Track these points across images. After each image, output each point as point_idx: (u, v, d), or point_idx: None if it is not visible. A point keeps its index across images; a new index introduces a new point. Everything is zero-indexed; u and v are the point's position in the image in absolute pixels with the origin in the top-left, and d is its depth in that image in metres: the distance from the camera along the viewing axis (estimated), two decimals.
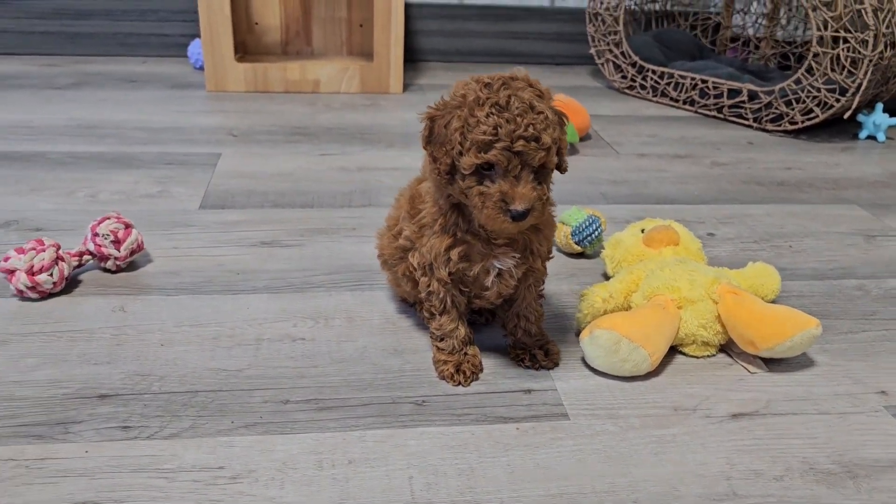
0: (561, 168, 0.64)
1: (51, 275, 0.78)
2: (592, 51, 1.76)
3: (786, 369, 0.74)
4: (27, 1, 1.75)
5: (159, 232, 0.96)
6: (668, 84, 1.63)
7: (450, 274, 0.67)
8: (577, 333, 0.76)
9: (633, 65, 1.69)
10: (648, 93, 1.67)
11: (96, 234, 0.83)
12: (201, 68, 1.74)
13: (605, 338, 0.69)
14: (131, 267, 0.87)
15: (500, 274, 0.67)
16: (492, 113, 0.58)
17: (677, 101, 1.63)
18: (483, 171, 0.60)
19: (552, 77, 1.84)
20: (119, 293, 0.81)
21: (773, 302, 0.83)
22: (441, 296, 0.68)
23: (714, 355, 0.76)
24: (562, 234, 0.94)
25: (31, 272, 0.77)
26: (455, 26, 1.91)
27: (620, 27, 1.68)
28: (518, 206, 0.59)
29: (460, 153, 0.60)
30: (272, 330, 0.76)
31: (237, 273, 0.87)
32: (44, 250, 0.78)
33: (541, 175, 0.61)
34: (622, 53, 1.70)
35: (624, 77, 1.72)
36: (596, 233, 0.91)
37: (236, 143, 1.28)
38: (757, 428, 0.66)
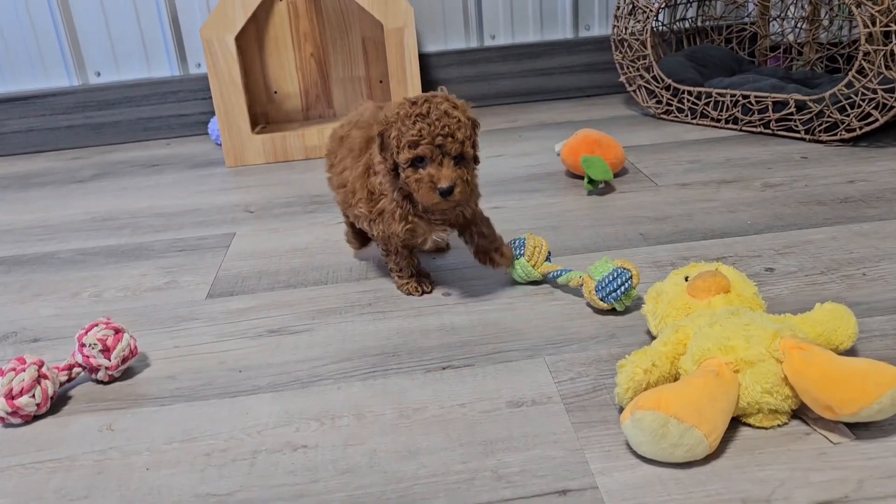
0: (475, 160, 0.83)
1: (33, 396, 0.72)
2: (622, 79, 1.66)
3: (879, 434, 0.61)
4: (51, 98, 1.77)
5: (161, 329, 0.89)
6: (707, 104, 1.51)
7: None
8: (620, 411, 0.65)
9: (668, 88, 1.58)
10: (687, 115, 1.56)
11: (83, 345, 0.77)
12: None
13: (650, 420, 0.58)
14: (127, 374, 0.80)
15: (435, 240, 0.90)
16: (417, 120, 0.78)
17: (719, 120, 1.51)
18: (417, 164, 0.79)
19: (584, 110, 1.74)
20: (109, 408, 0.74)
21: (851, 350, 0.71)
22: (394, 245, 0.90)
23: (786, 423, 0.63)
24: (586, 290, 0.83)
25: (10, 396, 0.71)
26: (477, 70, 1.84)
27: (649, 51, 1.58)
28: (443, 184, 0.78)
29: (398, 153, 0.80)
30: (271, 438, 0.67)
31: (239, 371, 0.79)
32: (24, 370, 0.72)
33: (460, 162, 0.80)
34: (654, 78, 1.59)
35: (659, 102, 1.61)
36: (623, 288, 0.80)
37: (252, 220, 1.22)
38: None
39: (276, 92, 1.73)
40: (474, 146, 0.81)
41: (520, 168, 1.37)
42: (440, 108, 0.78)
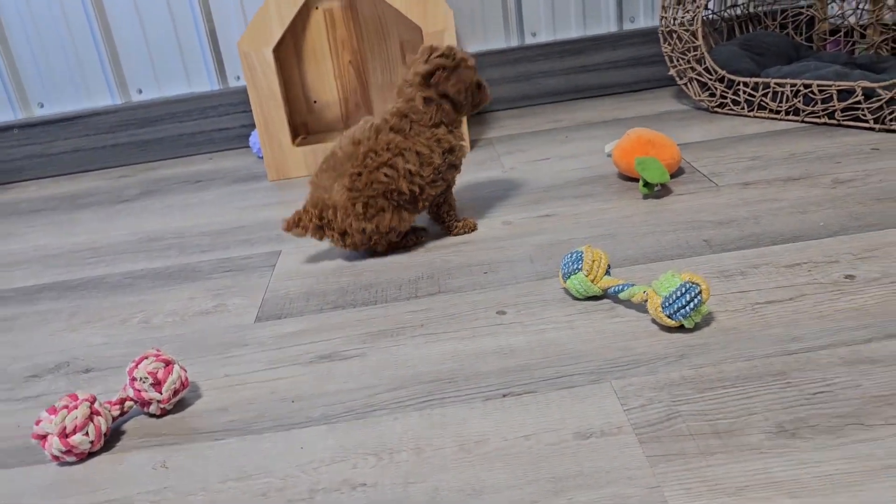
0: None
1: (86, 434, 0.70)
2: (672, 72, 1.59)
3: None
4: (95, 117, 1.77)
5: (211, 357, 0.87)
6: (766, 95, 1.44)
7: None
8: None
9: (721, 80, 1.51)
10: (743, 108, 1.49)
11: (134, 379, 0.75)
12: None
13: None
14: (179, 406, 0.78)
15: None
16: (463, 59, 1.05)
17: (778, 112, 1.43)
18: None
19: (631, 106, 1.68)
20: (163, 443, 0.72)
21: None
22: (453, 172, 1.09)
23: None
24: (653, 306, 0.78)
25: (63, 435, 0.69)
26: (519, 70, 1.80)
27: (700, 41, 1.51)
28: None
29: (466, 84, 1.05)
30: (328, 475, 0.64)
31: (291, 401, 0.76)
32: (76, 407, 0.71)
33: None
34: (706, 70, 1.53)
35: (712, 95, 1.54)
36: (692, 303, 0.75)
37: (297, 237, 1.20)
38: None
39: (315, 101, 1.71)
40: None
41: (569, 171, 1.32)
42: (453, 50, 1.05)
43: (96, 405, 0.72)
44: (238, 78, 1.80)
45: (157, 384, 0.75)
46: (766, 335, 0.75)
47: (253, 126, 1.79)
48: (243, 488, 0.65)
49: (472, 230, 1.11)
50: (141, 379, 0.75)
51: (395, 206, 1.03)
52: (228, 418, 0.75)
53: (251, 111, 1.79)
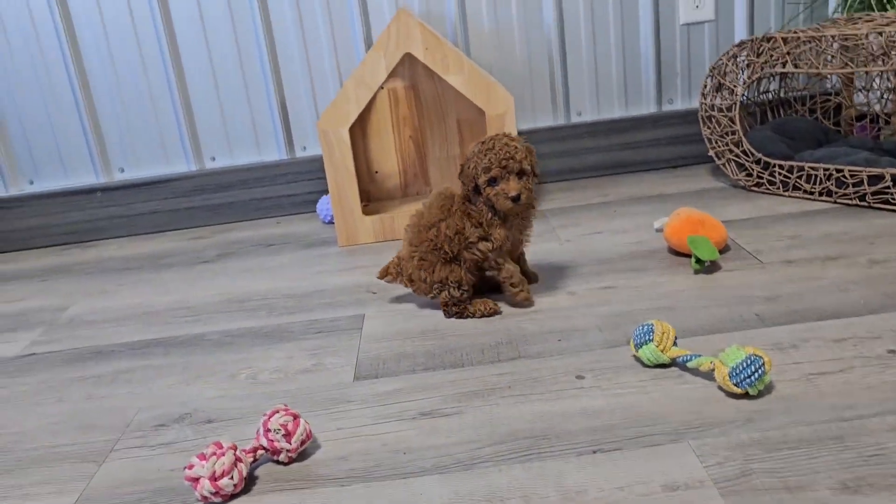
0: (535, 174, 1.15)
1: (231, 478, 0.81)
2: (711, 153, 1.73)
3: None
4: (173, 182, 1.92)
5: (321, 412, 0.98)
6: (800, 177, 1.57)
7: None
8: None
9: (758, 161, 1.64)
10: (778, 188, 1.61)
11: (268, 430, 0.86)
12: (330, 222, 1.83)
13: None
14: (302, 456, 0.89)
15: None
16: (486, 152, 1.13)
17: (812, 193, 1.56)
18: (492, 183, 1.13)
19: (672, 182, 1.81)
20: (294, 487, 0.83)
21: None
22: (504, 252, 1.20)
23: None
24: (720, 375, 0.89)
25: (213, 478, 0.80)
26: (566, 146, 1.94)
27: (737, 126, 1.65)
28: (512, 193, 1.11)
29: (478, 178, 1.14)
30: None
31: (403, 453, 0.87)
32: (223, 454, 0.82)
33: (522, 177, 1.13)
34: (743, 152, 1.66)
35: (749, 175, 1.67)
36: (757, 374, 0.86)
37: (377, 301, 1.32)
38: None
39: (377, 172, 1.85)
40: (531, 164, 1.13)
41: (621, 245, 1.44)
42: (501, 141, 1.12)
43: (238, 453, 0.83)
44: (305, 148, 1.95)
45: (287, 435, 0.86)
46: (822, 403, 0.86)
47: (318, 193, 1.93)
48: None
49: (490, 313, 1.20)
50: (275, 430, 0.86)
51: (444, 261, 1.19)
52: (349, 466, 0.86)
53: (317, 179, 1.93)
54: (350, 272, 1.49)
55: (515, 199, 1.11)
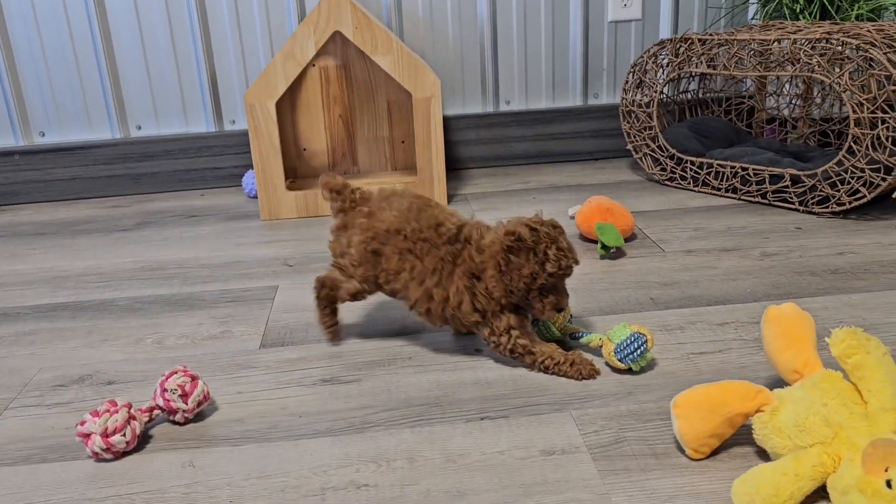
0: None
1: (124, 435, 0.82)
2: (629, 146, 1.79)
3: None
4: (94, 149, 1.89)
5: (224, 376, 0.99)
6: (709, 174, 1.64)
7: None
8: None
9: (672, 157, 1.71)
10: (689, 183, 1.69)
11: (165, 390, 0.87)
12: (255, 197, 1.83)
13: None
14: (198, 417, 0.90)
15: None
16: (560, 257, 0.89)
17: (719, 189, 1.63)
18: (544, 291, 0.91)
19: (592, 173, 1.87)
20: (188, 446, 0.84)
21: None
22: (522, 341, 0.94)
23: None
24: (606, 351, 0.94)
25: (105, 434, 0.81)
26: (493, 133, 1.98)
27: (655, 122, 1.72)
28: (563, 305, 0.93)
29: (531, 278, 0.89)
30: (336, 477, 0.77)
31: (300, 416, 0.89)
32: (117, 412, 0.82)
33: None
34: (659, 147, 1.73)
35: (663, 170, 1.74)
36: (639, 350, 0.91)
37: (292, 274, 1.33)
38: None
39: (305, 149, 1.85)
40: None
41: None
42: (565, 243, 0.91)
43: (132, 411, 0.84)
44: (234, 122, 1.94)
45: (184, 396, 0.87)
46: (698, 379, 0.91)
47: (244, 167, 1.93)
48: (264, 485, 0.77)
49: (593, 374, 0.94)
50: (171, 390, 0.87)
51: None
52: (245, 428, 0.87)
53: (244, 153, 1.92)
54: (269, 245, 1.49)
55: (561, 310, 0.93)
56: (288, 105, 1.79)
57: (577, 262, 0.91)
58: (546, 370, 0.93)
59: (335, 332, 1.06)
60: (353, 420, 0.88)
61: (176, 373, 0.89)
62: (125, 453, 0.83)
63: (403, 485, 0.76)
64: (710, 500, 0.71)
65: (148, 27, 1.84)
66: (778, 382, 0.80)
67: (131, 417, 0.83)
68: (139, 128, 1.92)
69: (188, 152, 1.92)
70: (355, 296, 1.02)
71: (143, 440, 0.86)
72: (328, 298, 1.04)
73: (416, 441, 0.83)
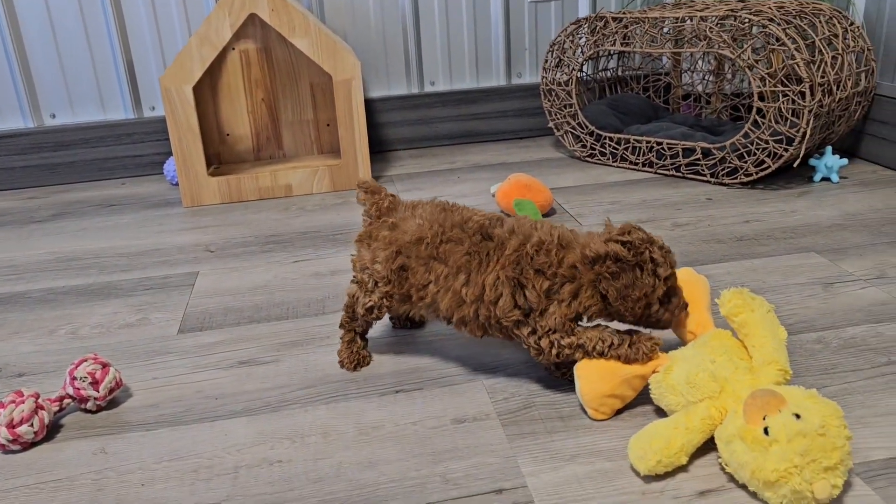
0: None
1: (31, 425, 0.81)
2: (551, 124, 1.82)
3: None
4: (6, 139, 1.82)
5: (139, 364, 0.98)
6: (626, 149, 1.69)
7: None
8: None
9: (591, 134, 1.75)
10: (608, 159, 1.73)
11: (74, 378, 0.86)
12: (177, 184, 1.80)
13: None
14: (112, 404, 0.89)
15: None
16: (667, 273, 0.78)
17: (636, 164, 1.68)
18: (665, 300, 0.80)
19: (516, 152, 1.90)
20: (100, 434, 0.84)
21: None
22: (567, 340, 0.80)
23: None
24: None
25: (11, 426, 0.80)
26: (418, 114, 1.99)
27: (574, 100, 1.75)
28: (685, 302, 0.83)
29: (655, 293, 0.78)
30: (249, 455, 0.78)
31: (215, 398, 0.89)
32: (23, 402, 0.81)
33: None
34: (579, 124, 1.76)
35: (584, 146, 1.78)
36: None
37: (213, 260, 1.32)
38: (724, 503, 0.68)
39: (228, 134, 1.83)
40: None
41: None
42: (651, 236, 0.79)
43: (40, 400, 0.83)
44: (153, 108, 1.90)
45: (95, 383, 0.86)
46: None
47: (166, 154, 1.89)
48: (176, 467, 0.77)
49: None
50: (81, 378, 0.86)
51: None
52: (159, 413, 0.87)
53: (165, 140, 1.89)
54: (190, 232, 1.48)
55: (685, 307, 0.83)
56: (208, 90, 1.76)
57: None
58: (602, 356, 0.80)
59: (364, 362, 0.94)
60: (270, 399, 0.88)
61: (86, 360, 0.88)
62: (34, 444, 0.82)
63: (316, 459, 0.77)
64: (610, 456, 0.74)
65: (58, 10, 1.78)
66: (679, 345, 0.84)
67: (39, 407, 0.82)
68: (53, 116, 1.86)
69: (106, 140, 1.88)
70: (370, 310, 0.90)
71: (53, 430, 0.85)
72: (350, 317, 0.93)
73: (330, 416, 0.84)
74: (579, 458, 0.75)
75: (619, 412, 0.81)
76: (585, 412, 0.81)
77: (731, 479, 0.70)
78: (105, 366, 0.88)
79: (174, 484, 0.74)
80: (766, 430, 0.65)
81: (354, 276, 0.92)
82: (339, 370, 0.93)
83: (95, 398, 0.86)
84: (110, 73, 1.85)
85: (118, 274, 1.29)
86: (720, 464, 0.71)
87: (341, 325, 0.94)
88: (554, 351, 0.80)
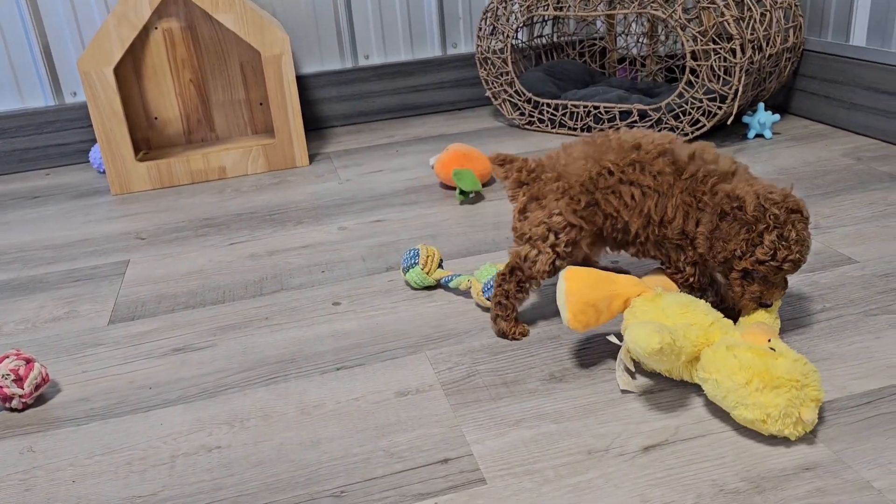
0: None
1: None
2: (488, 93, 1.81)
3: (694, 390, 0.76)
4: None
5: (67, 357, 0.94)
6: (564, 115, 1.68)
7: None
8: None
9: (529, 101, 1.74)
10: (547, 126, 1.72)
11: None
12: (104, 172, 1.72)
13: None
14: (39, 401, 0.85)
15: None
16: (785, 245, 0.74)
17: (575, 129, 1.68)
18: (749, 275, 0.77)
19: (455, 123, 1.88)
20: (27, 432, 0.80)
21: None
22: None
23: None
24: (474, 291, 0.96)
25: None
26: (353, 89, 1.95)
27: (510, 67, 1.73)
28: (768, 301, 0.78)
29: (739, 256, 0.76)
30: (186, 444, 0.75)
31: (149, 388, 0.86)
32: None
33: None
34: (516, 92, 1.75)
35: (522, 114, 1.77)
36: None
37: (145, 247, 1.27)
38: (668, 458, 0.68)
39: (156, 118, 1.76)
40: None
41: (398, 182, 1.48)
42: (802, 233, 0.75)
43: None
44: (75, 94, 1.81)
45: (18, 380, 0.82)
46: (549, 310, 0.94)
47: (92, 141, 1.81)
48: (109, 460, 0.74)
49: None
50: (3, 376, 0.81)
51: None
52: (89, 406, 0.83)
53: (90, 127, 1.81)
54: (119, 220, 1.42)
55: (767, 305, 0.79)
56: (132, 72, 1.69)
57: (802, 260, 0.76)
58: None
59: (525, 331, 0.90)
60: (206, 385, 0.85)
61: (7, 357, 0.83)
62: None
63: (257, 442, 0.75)
64: (556, 418, 0.74)
65: None
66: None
67: None
68: None
69: (27, 129, 1.79)
70: (553, 263, 0.86)
71: None
72: (518, 286, 0.88)
73: (270, 398, 0.82)
74: (524, 422, 0.74)
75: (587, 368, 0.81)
76: (561, 317, 0.77)
77: (676, 432, 0.71)
78: (29, 361, 0.84)
79: (107, 478, 0.71)
80: (771, 348, 0.70)
81: (524, 239, 0.88)
82: (278, 351, 0.91)
83: (20, 396, 0.82)
84: (25, 57, 1.76)
85: (44, 267, 1.23)
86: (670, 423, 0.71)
87: (502, 301, 0.88)
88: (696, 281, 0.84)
